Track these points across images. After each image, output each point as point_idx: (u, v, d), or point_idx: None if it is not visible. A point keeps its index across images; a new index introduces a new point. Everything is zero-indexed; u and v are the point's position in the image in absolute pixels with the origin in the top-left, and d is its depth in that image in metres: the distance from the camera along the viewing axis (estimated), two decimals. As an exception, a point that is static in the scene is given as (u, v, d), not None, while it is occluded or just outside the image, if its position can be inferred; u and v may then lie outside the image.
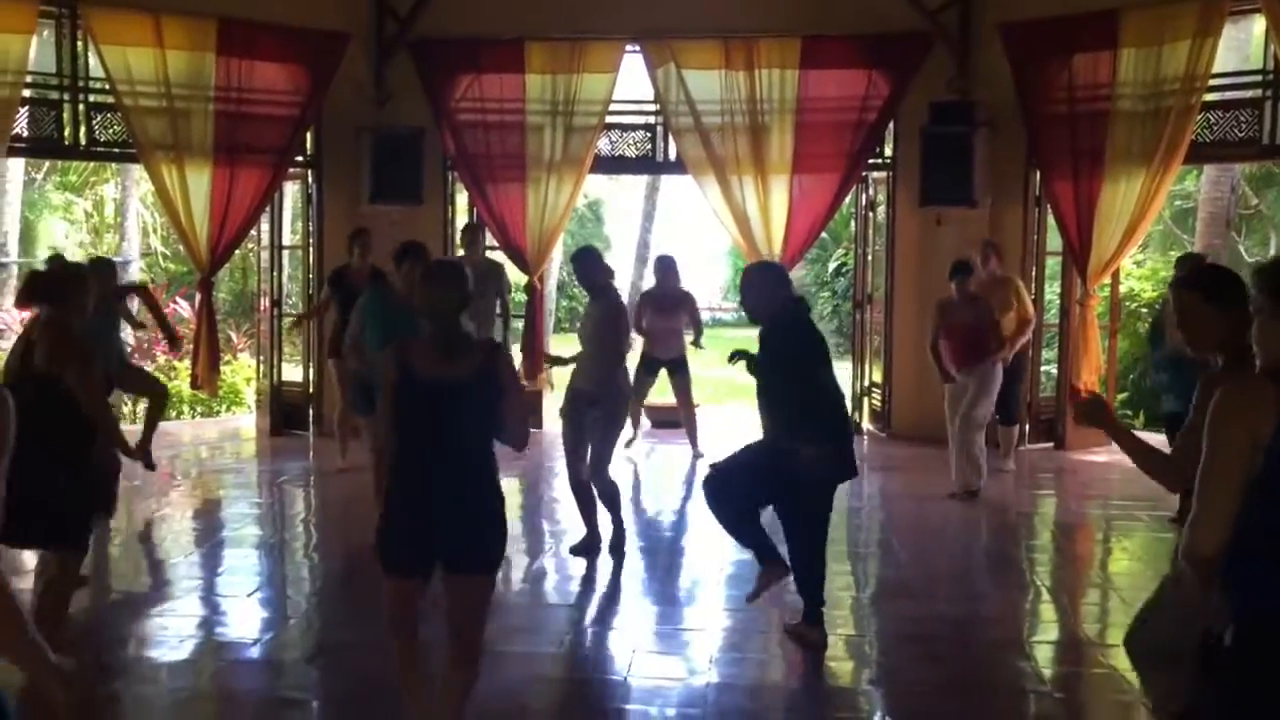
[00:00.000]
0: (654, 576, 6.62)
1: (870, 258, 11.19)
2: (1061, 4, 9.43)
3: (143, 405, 9.96)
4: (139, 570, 6.63)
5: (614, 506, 6.71)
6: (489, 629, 3.95)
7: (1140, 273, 14.81)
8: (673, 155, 10.69)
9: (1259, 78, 9.29)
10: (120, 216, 18.15)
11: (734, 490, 5.22)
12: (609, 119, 10.51)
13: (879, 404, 10.88)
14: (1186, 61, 8.89)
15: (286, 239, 11.09)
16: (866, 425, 10.99)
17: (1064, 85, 9.51)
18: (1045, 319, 10.74)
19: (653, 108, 10.68)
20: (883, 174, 10.74)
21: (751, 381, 5.42)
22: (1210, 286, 3.20)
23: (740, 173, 10.25)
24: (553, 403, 11.24)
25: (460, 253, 10.25)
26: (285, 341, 11.08)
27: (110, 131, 9.76)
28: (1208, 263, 7.71)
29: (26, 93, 9.22)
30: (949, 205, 9.98)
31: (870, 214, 11.14)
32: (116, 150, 10.15)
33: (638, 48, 10.36)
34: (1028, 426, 10.05)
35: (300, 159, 10.53)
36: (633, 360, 7.48)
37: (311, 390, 10.65)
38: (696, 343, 9.89)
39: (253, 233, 10.73)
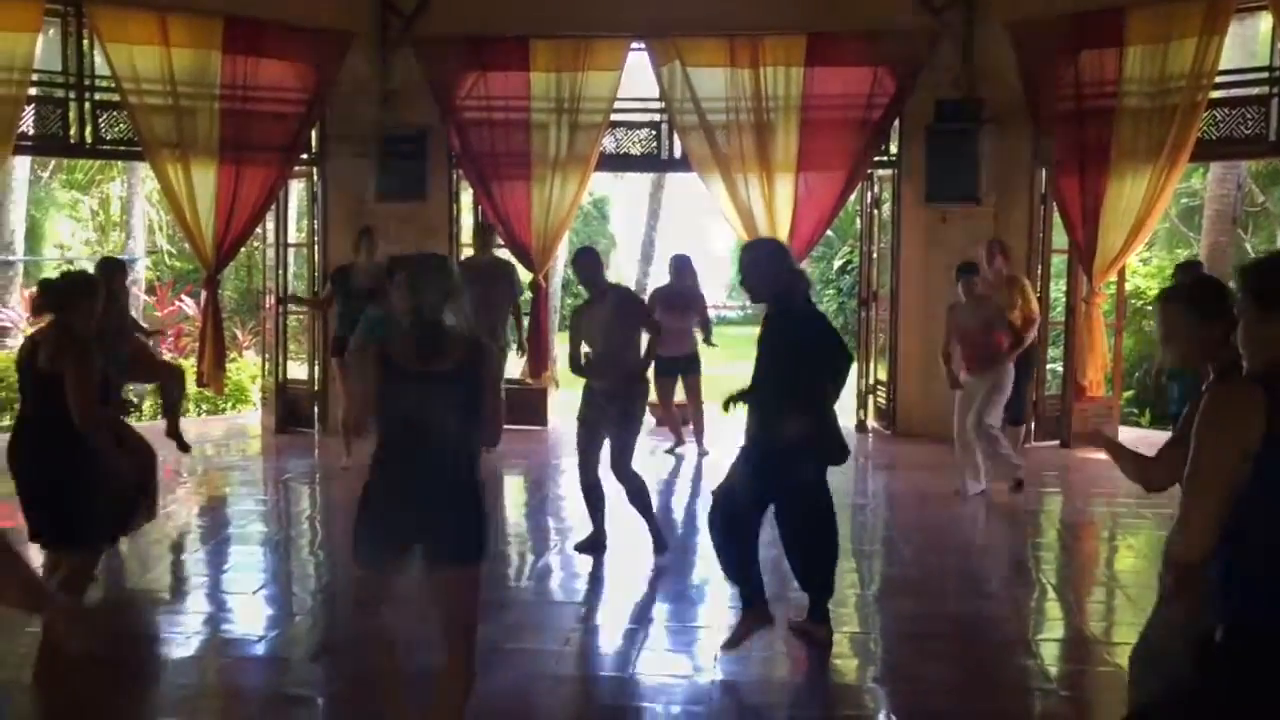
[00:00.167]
0: (658, 574, 6.61)
1: (875, 255, 11.18)
2: (1068, 2, 9.41)
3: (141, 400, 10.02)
4: (145, 567, 6.64)
5: (645, 506, 6.64)
6: (494, 627, 3.95)
7: (1146, 270, 14.79)
8: (678, 153, 10.66)
9: (1265, 74, 9.27)
10: (126, 214, 18.19)
11: (738, 514, 5.11)
12: (614, 116, 10.49)
13: (884, 402, 10.87)
14: (1193, 59, 8.88)
15: (292, 237, 11.10)
16: (871, 423, 10.99)
17: (1070, 83, 9.48)
18: (1050, 317, 10.74)
19: (658, 105, 10.66)
20: (888, 171, 10.72)
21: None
22: (1192, 299, 3.18)
23: (745, 170, 10.24)
24: (555, 401, 11.27)
25: (468, 252, 10.25)
26: (295, 310, 11.04)
27: (116, 130, 9.79)
28: (1197, 273, 7.76)
29: (32, 91, 9.24)
30: (954, 203, 9.96)
31: (875, 211, 11.13)
32: (122, 148, 10.17)
33: (642, 45, 10.34)
34: (1033, 425, 10.04)
35: (305, 157, 10.54)
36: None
37: (317, 388, 10.67)
38: (707, 340, 9.92)
39: (258, 230, 10.73)
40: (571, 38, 10.20)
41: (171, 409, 7.25)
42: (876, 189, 11.03)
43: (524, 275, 10.47)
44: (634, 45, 10.38)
